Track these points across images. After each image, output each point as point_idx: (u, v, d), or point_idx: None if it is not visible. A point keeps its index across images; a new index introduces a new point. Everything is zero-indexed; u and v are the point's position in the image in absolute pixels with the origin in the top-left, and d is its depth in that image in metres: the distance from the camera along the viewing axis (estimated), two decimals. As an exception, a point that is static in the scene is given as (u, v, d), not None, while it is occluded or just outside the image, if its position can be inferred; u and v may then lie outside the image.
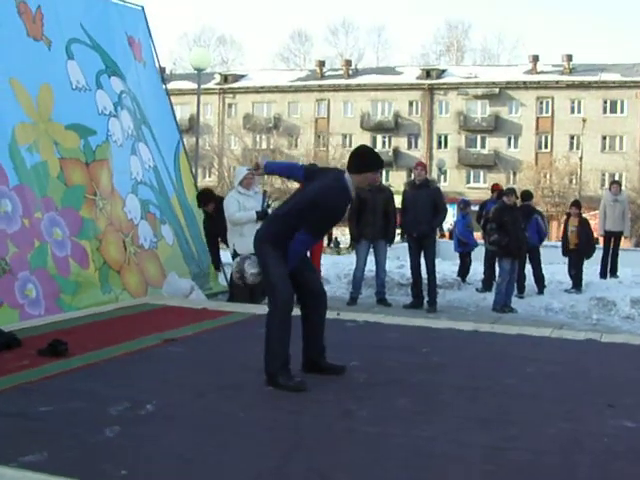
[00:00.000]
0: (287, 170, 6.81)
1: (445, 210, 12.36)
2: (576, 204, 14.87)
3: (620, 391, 6.17)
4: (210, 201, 11.63)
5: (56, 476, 4.01)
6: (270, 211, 11.01)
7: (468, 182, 63.59)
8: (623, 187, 18.28)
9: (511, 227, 11.96)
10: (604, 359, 7.55)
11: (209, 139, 62.67)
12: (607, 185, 55.70)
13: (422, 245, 12.06)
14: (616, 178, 57.28)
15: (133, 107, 11.68)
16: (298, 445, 4.66)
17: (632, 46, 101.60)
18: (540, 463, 4.44)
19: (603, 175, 58.80)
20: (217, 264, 12.05)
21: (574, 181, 55.77)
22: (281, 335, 5.93)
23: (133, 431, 4.79)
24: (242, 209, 10.55)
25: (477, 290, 13.69)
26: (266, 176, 12.41)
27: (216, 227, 11.27)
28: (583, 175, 53.07)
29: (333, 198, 5.93)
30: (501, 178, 59.68)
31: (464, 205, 15.51)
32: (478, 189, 58.78)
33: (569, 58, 63.48)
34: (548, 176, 57.28)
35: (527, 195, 14.39)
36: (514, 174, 60.93)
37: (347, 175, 6.00)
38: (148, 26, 12.60)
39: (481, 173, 63.83)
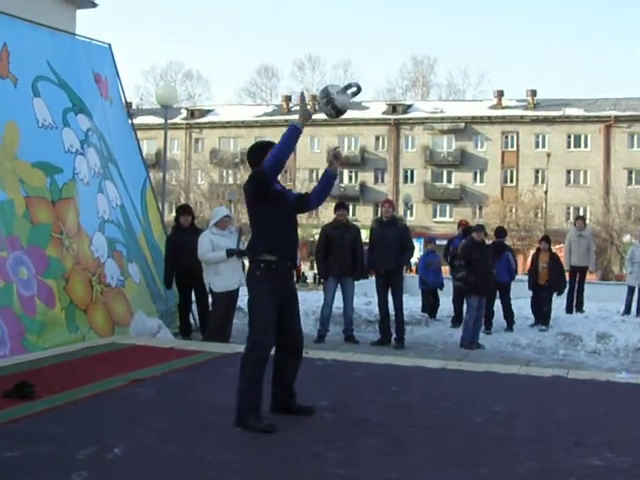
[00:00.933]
0: None
1: (412, 247, 12.42)
2: (546, 239, 14.81)
3: (587, 429, 6.22)
4: (190, 214, 11.79)
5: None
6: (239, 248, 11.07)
7: (434, 216, 63.94)
8: (587, 221, 18.44)
9: (479, 264, 12.03)
10: (571, 396, 7.62)
11: (176, 174, 62.56)
12: (572, 219, 56.52)
13: (390, 282, 12.09)
14: (581, 212, 57.97)
15: (100, 145, 11.65)
16: (267, 489, 4.64)
17: (595, 82, 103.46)
18: (509, 504, 4.45)
19: (568, 209, 59.41)
20: (169, 283, 11.86)
21: (539, 215, 56.23)
22: (254, 379, 5.90)
23: (101, 476, 4.74)
24: (216, 248, 10.56)
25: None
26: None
27: (180, 244, 11.26)
28: (548, 209, 53.56)
29: (249, 181, 6.12)
30: (467, 212, 60.14)
31: (427, 242, 15.62)
32: (444, 223, 59.19)
33: (533, 93, 64.29)
34: (514, 210, 57.72)
35: (501, 232, 14.58)
36: (480, 208, 61.35)
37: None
38: (115, 63, 12.60)
39: (447, 207, 64.20)
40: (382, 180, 66.24)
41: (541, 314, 13.80)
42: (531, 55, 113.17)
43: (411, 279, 12.97)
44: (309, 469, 5.00)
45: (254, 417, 5.85)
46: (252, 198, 6.12)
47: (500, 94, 65.48)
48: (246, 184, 6.17)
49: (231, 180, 63.94)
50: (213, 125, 70.07)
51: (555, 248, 17.55)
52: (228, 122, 69.86)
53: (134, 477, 4.75)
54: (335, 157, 6.15)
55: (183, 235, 11.45)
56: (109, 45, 12.53)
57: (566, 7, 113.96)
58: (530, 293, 14.44)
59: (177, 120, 67.31)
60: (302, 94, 6.14)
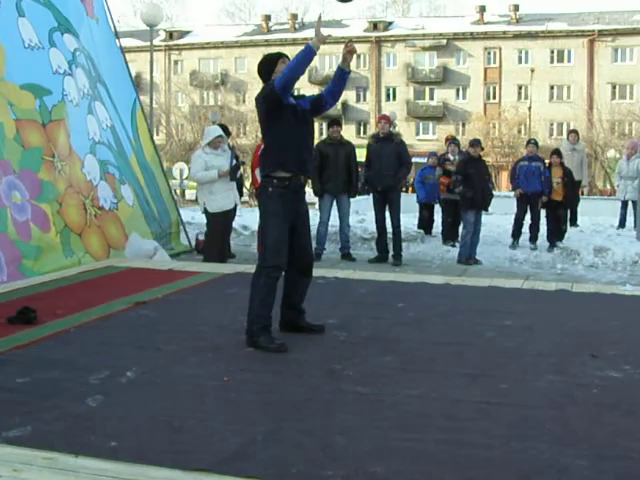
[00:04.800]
0: None
1: (409, 163, 12.26)
2: (557, 153, 14.15)
3: (600, 341, 6.16)
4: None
5: (43, 450, 3.83)
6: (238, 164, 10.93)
7: (417, 134, 63.51)
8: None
9: (476, 179, 11.90)
10: (579, 310, 7.55)
11: (156, 97, 61.73)
12: (557, 134, 56.44)
13: (387, 199, 11.96)
14: (564, 127, 57.84)
15: (88, 65, 11.32)
16: (288, 408, 4.54)
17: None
18: (535, 418, 4.38)
19: (551, 124, 59.21)
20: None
21: (523, 131, 56.01)
22: (265, 297, 5.81)
23: (117, 400, 4.62)
24: (209, 168, 10.44)
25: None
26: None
27: None
28: (532, 125, 53.35)
29: (260, 97, 5.96)
30: (450, 129, 59.73)
31: (429, 157, 15.41)
32: (428, 141, 58.87)
33: (516, 8, 63.45)
34: (497, 126, 57.44)
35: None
36: (463, 125, 61.02)
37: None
38: (100, -20, 12.22)
39: (430, 125, 63.83)
40: (364, 99, 65.63)
41: (560, 231, 13.51)
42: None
43: (407, 196, 12.81)
44: (328, 388, 4.91)
45: (266, 336, 5.76)
46: (264, 114, 5.96)
47: (482, 9, 64.56)
48: (258, 98, 5.98)
49: (212, 101, 63.32)
50: (192, 46, 68.88)
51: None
52: (207, 43, 68.75)
53: (151, 401, 4.63)
54: (349, 52, 5.92)
55: None
56: (93, -40, 12.11)
57: None
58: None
59: (155, 42, 65.96)
60: (320, 16, 5.91)
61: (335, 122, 12.36)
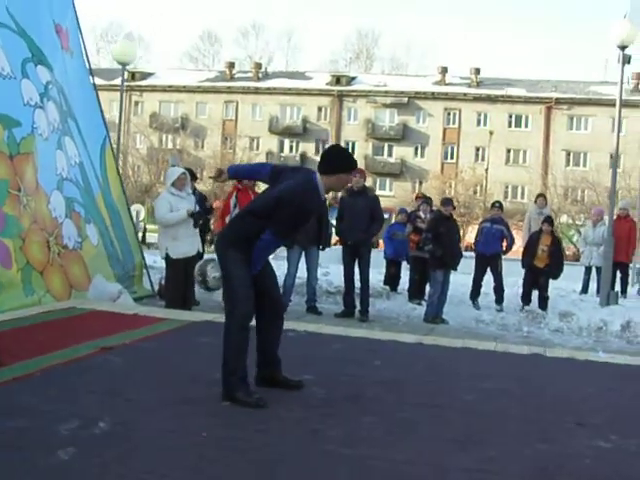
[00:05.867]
0: (251, 172, 6.45)
1: (382, 219, 12.14)
2: (549, 220, 13.90)
3: (582, 409, 6.06)
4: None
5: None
6: (202, 212, 10.70)
7: (375, 190, 63.87)
8: (525, 200, 18.29)
9: (446, 238, 11.81)
10: (555, 375, 7.47)
11: (114, 137, 61.34)
12: (512, 197, 57.07)
13: (357, 253, 11.81)
14: (519, 191, 58.66)
15: (60, 99, 11.06)
16: (275, 469, 4.31)
17: (537, 63, 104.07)
18: (531, 490, 4.21)
19: (507, 187, 60.05)
20: None
21: (479, 192, 56.57)
22: (239, 347, 5.56)
23: (90, 453, 4.34)
24: (174, 211, 10.19)
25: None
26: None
27: None
28: (488, 186, 53.91)
29: (300, 197, 5.53)
30: (407, 187, 60.38)
31: (398, 213, 15.33)
32: (384, 197, 58.96)
33: (477, 71, 64.57)
34: (453, 186, 57.96)
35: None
36: (420, 183, 61.50)
37: (318, 176, 5.66)
38: (76, 14, 12.01)
39: (387, 181, 64.33)
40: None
41: (542, 299, 13.31)
42: (475, 33, 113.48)
43: (374, 251, 12.68)
44: (314, 449, 4.68)
45: (243, 390, 5.51)
46: (280, 210, 5.57)
47: (444, 70, 65.65)
48: (292, 195, 5.56)
49: (171, 145, 63.06)
50: (154, 89, 68.90)
51: (513, 225, 17.45)
52: (169, 86, 68.84)
53: (128, 456, 4.35)
54: None
55: None
56: (71, -7, 11.94)
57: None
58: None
59: (117, 81, 65.75)
60: None
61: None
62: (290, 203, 5.50)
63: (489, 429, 5.35)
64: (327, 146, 6.07)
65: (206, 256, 5.88)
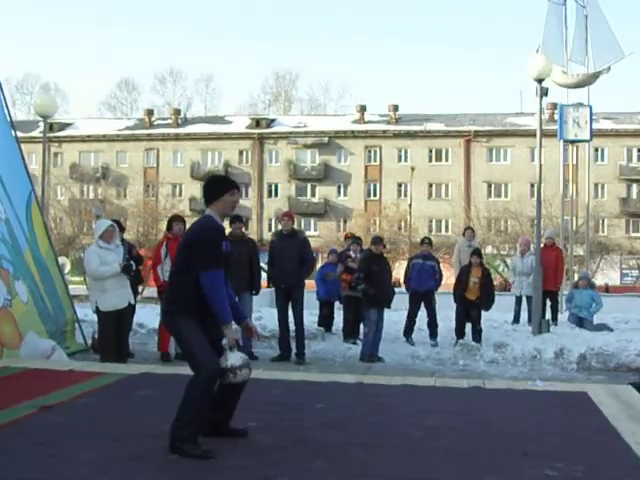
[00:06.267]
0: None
1: (312, 259, 12.19)
2: (477, 253, 14.11)
3: (525, 438, 6.14)
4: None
5: None
6: (132, 263, 10.59)
7: (304, 232, 63.99)
8: (450, 233, 18.58)
9: (378, 276, 11.89)
10: (497, 406, 7.60)
11: (37, 190, 60.45)
12: (436, 231, 57.77)
13: (290, 296, 11.81)
14: (443, 224, 59.39)
15: (-18, 156, 10.94)
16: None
17: (454, 97, 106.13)
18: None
19: (430, 221, 60.69)
20: None
21: (403, 227, 57.09)
22: (201, 406, 5.53)
23: (41, 517, 4.26)
24: (103, 264, 10.09)
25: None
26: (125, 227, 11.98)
27: None
28: (412, 221, 54.44)
29: (200, 230, 5.75)
30: (332, 226, 60.63)
31: (328, 254, 15.34)
32: (310, 237, 58.85)
33: (395, 108, 65.38)
34: (378, 223, 58.36)
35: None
36: (344, 222, 61.86)
37: (208, 210, 5.83)
38: (-5, 70, 11.91)
39: (312, 221, 64.36)
40: (246, 194, 65.73)
41: (475, 331, 13.36)
42: (392, 71, 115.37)
43: (306, 292, 12.69)
44: (268, 497, 4.67)
45: (191, 442, 5.45)
46: (187, 248, 5.75)
47: (362, 109, 66.25)
48: (193, 237, 5.78)
49: (92, 195, 62.32)
50: (73, 139, 68.06)
51: (441, 258, 17.59)
52: (89, 136, 68.09)
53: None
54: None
55: None
56: (-12, 51, 11.82)
57: (424, 25, 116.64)
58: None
59: (35, 133, 64.93)
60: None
61: (238, 219, 12.20)
62: (195, 240, 5.69)
63: (440, 466, 5.40)
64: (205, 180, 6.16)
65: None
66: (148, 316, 13.52)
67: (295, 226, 12.71)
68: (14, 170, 11.79)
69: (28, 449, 5.63)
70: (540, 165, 14.31)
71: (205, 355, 5.55)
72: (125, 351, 10.69)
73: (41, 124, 66.58)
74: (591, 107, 20.96)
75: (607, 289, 37.13)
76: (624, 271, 54.58)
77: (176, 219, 11.87)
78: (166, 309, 5.88)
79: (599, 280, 40.73)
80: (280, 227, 12.88)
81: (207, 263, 5.58)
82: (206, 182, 6.05)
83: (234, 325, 5.77)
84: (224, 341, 5.65)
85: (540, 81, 14.18)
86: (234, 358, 5.65)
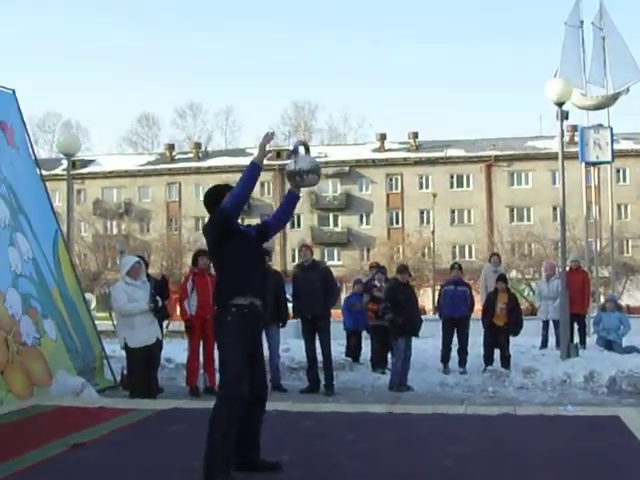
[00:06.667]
0: None
1: (337, 288, 12.21)
2: (503, 278, 14.13)
3: (562, 467, 6.09)
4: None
5: None
6: (159, 299, 10.64)
7: (325, 262, 63.99)
8: (474, 259, 18.54)
9: (405, 305, 11.88)
10: (529, 433, 7.50)
11: (63, 227, 60.84)
12: (459, 256, 57.57)
13: (317, 327, 11.82)
14: (466, 250, 59.19)
15: (9, 195, 11.01)
16: None
17: (474, 123, 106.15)
18: None
19: (454, 247, 60.48)
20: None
21: (427, 254, 56.93)
22: (228, 433, 5.52)
23: None
24: (131, 301, 10.13)
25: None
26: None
27: None
28: (435, 248, 54.26)
29: (208, 225, 5.94)
30: (355, 255, 60.58)
31: (354, 283, 15.32)
32: (333, 267, 58.85)
33: (415, 135, 65.49)
34: (401, 250, 58.30)
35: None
36: (368, 250, 61.78)
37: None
38: (20, 110, 12.01)
39: (335, 251, 64.38)
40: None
41: (504, 357, 13.26)
42: (411, 98, 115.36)
43: (333, 323, 12.68)
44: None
45: (226, 475, 5.45)
46: (215, 240, 5.86)
47: (382, 137, 66.40)
48: (206, 227, 5.94)
49: (115, 231, 62.72)
50: (95, 175, 68.66)
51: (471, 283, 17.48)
52: (111, 172, 68.71)
53: None
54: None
55: None
56: (13, 91, 11.93)
57: (440, 51, 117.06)
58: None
59: (58, 171, 65.54)
60: (269, 133, 5.83)
61: (265, 252, 12.21)
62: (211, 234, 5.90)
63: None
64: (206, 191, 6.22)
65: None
66: (175, 351, 13.54)
67: (316, 257, 12.74)
68: (40, 209, 11.89)
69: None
70: (563, 188, 14.27)
71: (237, 377, 5.58)
72: (155, 387, 10.70)
73: (64, 161, 67.42)
74: (612, 128, 20.90)
75: (628, 310, 36.72)
76: (650, 291, 53.94)
77: (201, 254, 11.90)
78: (217, 312, 5.87)
79: (625, 301, 40.31)
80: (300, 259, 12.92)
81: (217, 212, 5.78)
82: (209, 192, 6.11)
83: None
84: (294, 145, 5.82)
85: (560, 105, 14.17)
86: (303, 162, 5.68)
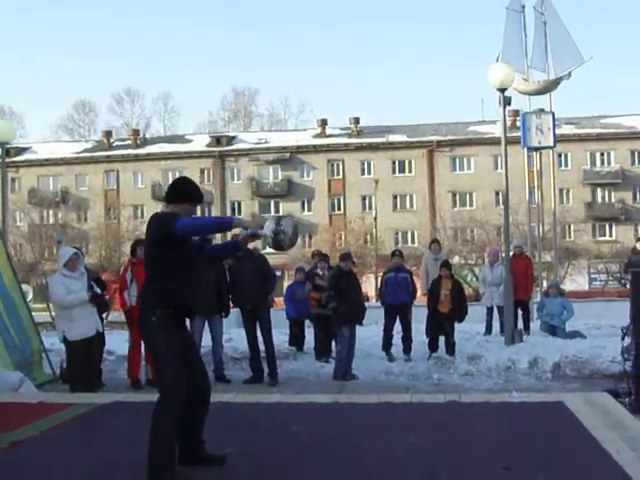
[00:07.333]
0: None
1: (274, 276, 12.10)
2: (446, 265, 14.16)
3: (505, 452, 6.10)
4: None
5: None
6: (97, 290, 10.44)
7: (264, 247, 63.56)
8: (416, 244, 18.57)
9: (349, 293, 11.79)
10: (475, 420, 7.50)
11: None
12: (402, 243, 57.87)
13: (256, 316, 11.69)
14: (409, 236, 59.48)
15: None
16: None
17: (416, 108, 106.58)
18: None
19: (397, 233, 60.68)
20: None
21: (369, 241, 57.06)
22: (169, 432, 5.39)
23: None
24: (69, 292, 9.93)
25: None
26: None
27: None
28: (378, 234, 54.34)
29: (158, 219, 5.64)
30: (297, 242, 60.39)
31: (296, 272, 15.21)
32: (275, 254, 58.36)
33: (356, 121, 65.46)
34: (343, 237, 58.35)
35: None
36: (310, 237, 61.68)
37: (164, 207, 5.78)
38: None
39: (277, 238, 64.05)
40: (209, 214, 65.49)
41: (448, 344, 13.28)
42: (352, 83, 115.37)
43: (275, 312, 12.56)
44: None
45: (170, 473, 5.31)
46: (154, 241, 5.63)
47: (324, 123, 66.28)
48: (152, 225, 5.65)
49: (52, 219, 61.81)
50: (31, 163, 67.27)
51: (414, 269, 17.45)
52: (46, 160, 67.38)
53: None
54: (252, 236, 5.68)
55: None
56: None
57: (381, 34, 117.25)
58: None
59: (-9, 160, 64.50)
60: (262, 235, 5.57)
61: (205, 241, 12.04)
62: (155, 227, 5.60)
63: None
64: (175, 178, 6.06)
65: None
66: (116, 342, 13.28)
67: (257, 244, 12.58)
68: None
69: (0, 488, 5.48)
70: (507, 175, 14.32)
71: (174, 379, 5.43)
72: (96, 381, 10.49)
73: (-2, 150, 66.27)
74: (553, 113, 21.05)
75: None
76: (592, 276, 54.83)
77: (139, 243, 11.68)
78: (143, 314, 5.72)
79: (567, 286, 40.85)
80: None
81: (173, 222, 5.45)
82: (177, 181, 5.94)
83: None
84: (259, 231, 5.54)
85: (503, 90, 14.21)
86: (268, 229, 5.49)
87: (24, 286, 31.17)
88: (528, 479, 5.33)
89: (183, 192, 5.74)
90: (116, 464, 5.91)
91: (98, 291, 10.52)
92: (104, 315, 13.01)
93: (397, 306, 13.54)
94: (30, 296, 32.09)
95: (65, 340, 10.13)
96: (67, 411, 8.18)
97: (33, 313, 12.41)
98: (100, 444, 6.71)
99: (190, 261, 5.69)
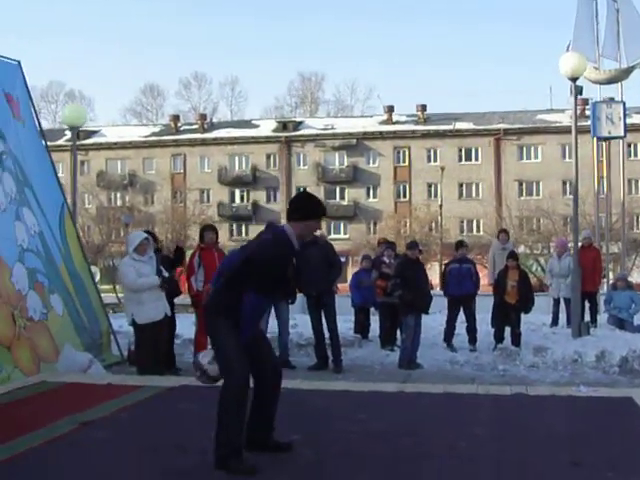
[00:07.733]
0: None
1: (339, 263, 12.05)
2: (513, 256, 13.91)
3: (574, 447, 6.02)
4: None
5: None
6: (165, 274, 10.52)
7: (329, 233, 63.50)
8: (482, 233, 18.38)
9: (415, 282, 11.74)
10: (542, 414, 7.43)
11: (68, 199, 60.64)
12: (467, 231, 57.52)
13: (321, 303, 11.68)
14: (474, 224, 59.01)
15: (15, 169, 10.87)
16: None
17: (482, 97, 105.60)
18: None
19: (462, 222, 60.33)
20: None
21: (434, 229, 56.75)
22: (236, 416, 5.40)
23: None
24: (139, 276, 10.02)
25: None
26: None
27: None
28: (443, 222, 54.02)
29: (268, 250, 5.48)
30: (362, 228, 60.49)
31: (362, 259, 15.17)
32: (339, 240, 59.05)
33: (423, 108, 65.13)
34: (408, 224, 58.10)
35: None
36: (374, 224, 61.66)
37: (287, 226, 5.63)
38: (26, 82, 11.82)
39: (342, 224, 64.17)
40: (275, 199, 65.86)
41: (514, 335, 13.13)
42: (419, 71, 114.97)
43: (340, 299, 12.54)
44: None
45: (237, 458, 5.35)
46: (256, 269, 5.48)
47: (390, 109, 66.08)
48: (259, 247, 5.60)
49: (120, 202, 62.58)
50: (99, 147, 68.29)
51: (474, 259, 17.28)
52: (115, 143, 68.42)
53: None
54: None
55: None
56: (18, 62, 11.74)
57: (450, 23, 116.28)
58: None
59: (61, 142, 65.23)
60: None
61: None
62: (260, 260, 5.44)
63: (486, 476, 5.32)
64: (296, 193, 6.02)
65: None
66: (183, 326, 13.41)
67: (323, 230, 12.57)
68: (46, 182, 11.74)
69: (74, 466, 5.62)
70: (577, 165, 14.10)
71: (238, 361, 5.44)
72: (163, 364, 10.57)
73: (67, 132, 67.21)
74: (624, 103, 20.68)
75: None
76: (661, 268, 53.65)
77: (207, 229, 11.79)
78: (209, 307, 5.78)
79: (635, 278, 40.10)
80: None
81: (259, 289, 5.43)
82: (301, 196, 5.94)
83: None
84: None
85: (574, 80, 13.97)
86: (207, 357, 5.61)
87: (92, 268, 31.80)
88: (598, 475, 5.24)
89: (310, 209, 5.68)
90: (183, 448, 5.97)
91: (167, 274, 10.60)
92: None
93: (461, 297, 13.45)
94: (98, 277, 32.68)
95: (134, 323, 10.24)
96: (135, 393, 8.32)
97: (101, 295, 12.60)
98: (167, 427, 6.80)
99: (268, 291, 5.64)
